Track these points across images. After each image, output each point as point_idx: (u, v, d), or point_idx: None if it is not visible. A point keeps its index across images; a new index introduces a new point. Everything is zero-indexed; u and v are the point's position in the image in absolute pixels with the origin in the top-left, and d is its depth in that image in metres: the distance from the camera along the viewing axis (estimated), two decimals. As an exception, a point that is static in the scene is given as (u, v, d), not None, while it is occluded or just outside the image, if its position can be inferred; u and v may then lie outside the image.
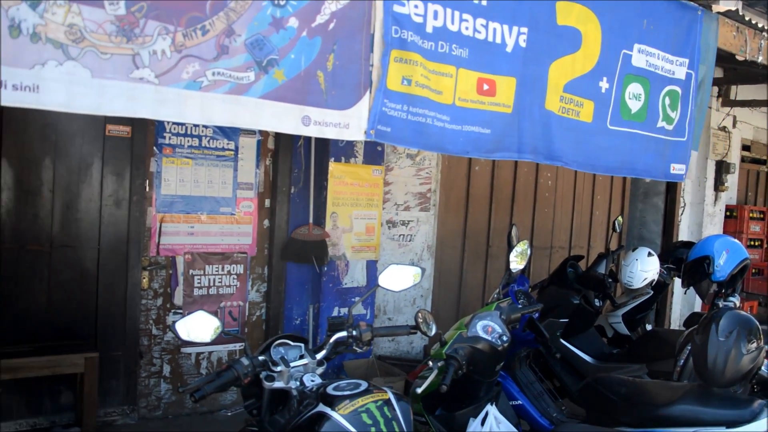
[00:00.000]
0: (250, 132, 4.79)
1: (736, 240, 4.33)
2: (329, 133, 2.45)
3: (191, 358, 4.78)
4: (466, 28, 2.73)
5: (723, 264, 4.14)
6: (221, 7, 2.18)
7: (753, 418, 2.77)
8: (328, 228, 4.86)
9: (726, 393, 2.96)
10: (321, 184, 4.89)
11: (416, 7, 2.58)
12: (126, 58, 2.05)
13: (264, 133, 4.87)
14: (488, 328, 2.98)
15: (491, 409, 3.04)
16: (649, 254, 4.81)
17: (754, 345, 2.94)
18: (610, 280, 4.71)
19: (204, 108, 2.15)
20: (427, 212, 5.65)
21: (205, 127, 4.60)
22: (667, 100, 3.63)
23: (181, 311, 4.64)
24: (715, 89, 7.55)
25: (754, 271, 8.39)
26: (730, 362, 2.90)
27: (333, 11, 2.38)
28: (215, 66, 2.16)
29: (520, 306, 3.50)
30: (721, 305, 4.13)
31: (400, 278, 2.73)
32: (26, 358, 3.90)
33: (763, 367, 3.35)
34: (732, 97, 7.79)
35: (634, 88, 3.46)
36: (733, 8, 3.87)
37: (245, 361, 2.26)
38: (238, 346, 4.90)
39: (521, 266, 3.79)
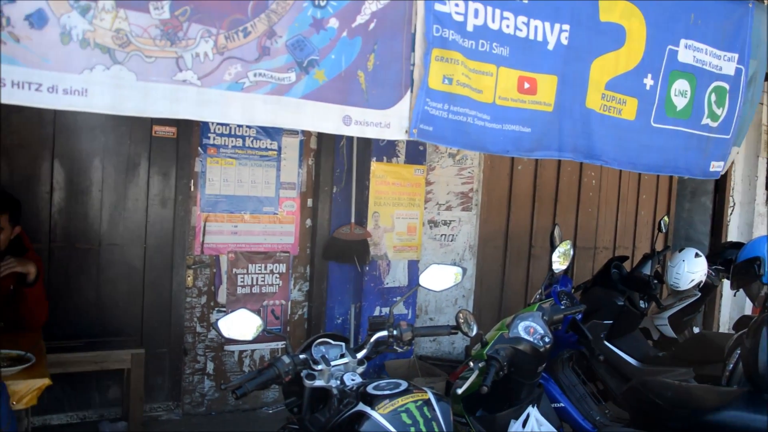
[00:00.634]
0: (292, 132, 4.83)
1: (788, 241, 4.20)
2: (370, 133, 2.46)
3: (234, 356, 4.85)
4: (507, 27, 2.70)
5: (774, 266, 4.02)
6: (263, 8, 2.20)
7: (805, 425, 2.69)
8: (370, 227, 4.88)
9: (777, 399, 2.88)
10: (363, 183, 4.90)
11: (457, 5, 2.56)
12: (170, 61, 2.09)
13: (306, 133, 4.91)
14: (530, 329, 2.95)
15: (533, 411, 3.01)
16: (697, 255, 4.71)
17: (807, 350, 2.85)
18: (655, 281, 4.62)
19: (245, 109, 2.17)
20: (469, 212, 5.62)
21: (249, 127, 4.65)
22: (713, 97, 3.53)
23: (224, 309, 4.71)
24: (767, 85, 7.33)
25: (807, 272, 8.11)
26: (782, 367, 2.82)
27: (373, 11, 2.39)
28: (257, 67, 2.18)
29: (562, 307, 3.46)
30: (772, 308, 4.01)
31: (441, 278, 2.72)
32: (75, 353, 4.01)
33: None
34: (785, 93, 7.55)
35: (680, 85, 3.38)
36: (787, 0, 3.75)
37: (286, 360, 2.27)
38: (280, 345, 4.95)
39: (564, 267, 3.75)
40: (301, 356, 2.33)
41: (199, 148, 4.56)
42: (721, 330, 7.32)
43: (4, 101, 2.01)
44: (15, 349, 3.00)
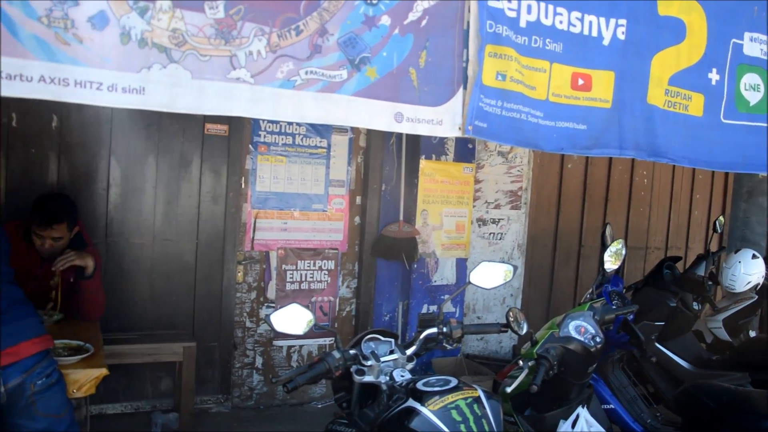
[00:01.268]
0: (342, 130, 4.87)
1: None
2: (422, 130, 2.45)
3: (282, 351, 4.91)
4: (561, 22, 2.66)
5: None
6: (315, 7, 2.22)
7: None
8: (419, 225, 4.88)
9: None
10: (412, 181, 4.91)
11: (510, 1, 2.54)
12: (224, 59, 2.12)
13: (356, 131, 4.93)
14: (581, 328, 2.92)
15: (582, 412, 2.97)
16: (754, 256, 4.58)
17: None
18: (710, 282, 4.51)
19: (297, 106, 2.19)
20: (518, 210, 5.57)
21: (299, 125, 4.70)
22: None
23: (273, 305, 4.78)
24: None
25: None
26: None
27: (425, 8, 2.38)
28: (308, 65, 2.20)
29: (614, 307, 3.41)
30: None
31: (491, 276, 2.71)
32: (130, 345, 4.10)
33: None
34: None
35: (750, 79, 3.26)
36: None
37: (337, 355, 2.29)
38: (328, 341, 5.00)
39: (615, 266, 3.69)
40: (351, 351, 2.34)
41: (250, 146, 4.63)
42: (779, 334, 7.10)
43: (69, 100, 2.08)
44: (74, 340, 3.10)
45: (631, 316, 3.49)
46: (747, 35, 3.24)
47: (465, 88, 2.49)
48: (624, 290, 4.01)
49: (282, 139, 4.68)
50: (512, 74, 2.54)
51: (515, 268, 2.79)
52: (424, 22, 2.39)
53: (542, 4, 2.62)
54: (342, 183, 4.92)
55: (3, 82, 2.01)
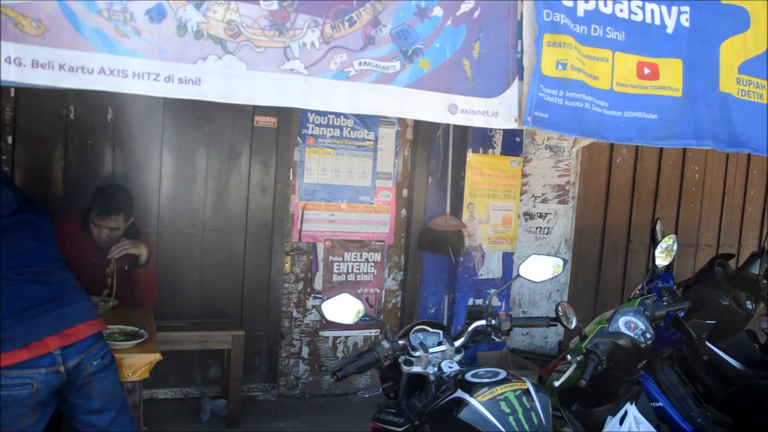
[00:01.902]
0: (389, 122, 4.88)
1: None
2: (477, 122, 2.44)
3: (328, 342, 4.96)
4: (621, 11, 2.61)
5: None
6: (367, -2, 2.24)
7: None
8: (465, 219, 4.87)
9: None
10: (458, 174, 4.89)
11: (566, -10, 2.52)
12: (278, 50, 2.15)
13: (403, 124, 4.94)
14: (631, 324, 2.88)
15: (631, 409, 2.93)
16: (811, 254, 4.44)
17: None
18: (765, 281, 4.39)
19: (350, 97, 2.21)
20: (565, 205, 5.52)
21: (346, 117, 4.73)
22: None
23: (320, 296, 4.83)
24: None
25: None
26: None
27: (477, 0, 2.38)
28: (362, 56, 2.21)
29: (665, 303, 3.35)
30: None
31: (540, 269, 2.69)
32: (180, 332, 4.20)
33: None
34: None
35: None
36: None
37: (386, 345, 2.31)
38: (373, 332, 5.03)
39: (666, 262, 3.62)
40: (400, 342, 2.36)
41: (298, 138, 4.67)
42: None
43: (127, 91, 2.13)
44: (129, 325, 3.19)
45: (682, 313, 3.43)
46: None
47: (521, 79, 2.47)
48: (674, 287, 3.94)
49: (330, 131, 4.72)
50: (573, 63, 2.51)
51: (565, 261, 2.77)
52: (476, 14, 2.38)
53: (600, -7, 2.59)
54: (389, 175, 4.93)
55: (65, 75, 2.07)
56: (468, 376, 2.22)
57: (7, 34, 1.99)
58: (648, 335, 2.85)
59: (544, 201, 5.42)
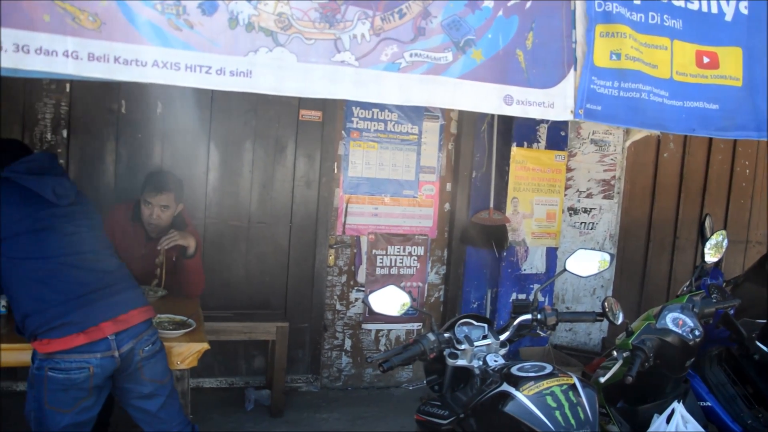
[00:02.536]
0: (433, 116, 4.87)
1: None
2: (533, 113, 2.42)
3: (371, 334, 4.98)
4: (677, -1, 2.58)
5: None
6: (417, -11, 2.24)
7: None
8: (509, 213, 4.84)
9: None
10: (503, 168, 4.87)
11: (621, -21, 2.48)
12: (328, 42, 2.17)
13: (447, 118, 4.93)
14: (679, 320, 2.83)
15: (678, 407, 2.88)
16: None
17: None
18: (818, 279, 4.27)
19: (402, 89, 2.21)
20: (610, 200, 5.45)
21: (391, 111, 4.74)
22: None
23: (363, 289, 4.85)
24: None
25: None
26: None
27: (529, -10, 2.37)
28: (413, 47, 2.22)
29: (714, 300, 3.29)
30: None
31: (586, 264, 2.67)
32: (226, 323, 4.27)
33: None
34: None
35: None
36: None
37: (431, 337, 2.31)
38: (415, 326, 5.04)
39: (716, 259, 3.56)
40: (446, 335, 2.36)
41: (342, 132, 4.70)
42: None
43: (180, 83, 2.16)
44: (178, 315, 3.25)
45: (732, 311, 3.36)
46: None
47: (576, 69, 2.44)
48: (723, 284, 3.86)
49: (374, 125, 4.73)
50: (628, 52, 2.47)
51: (612, 256, 2.73)
52: (528, 4, 2.36)
53: (657, -19, 2.55)
54: (432, 169, 4.93)
55: (120, 67, 2.12)
56: (514, 370, 2.21)
57: (65, 28, 2.04)
58: (697, 332, 2.79)
59: (589, 196, 5.36)
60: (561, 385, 2.15)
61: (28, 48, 2.00)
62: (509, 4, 2.33)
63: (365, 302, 2.38)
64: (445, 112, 4.90)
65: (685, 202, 5.91)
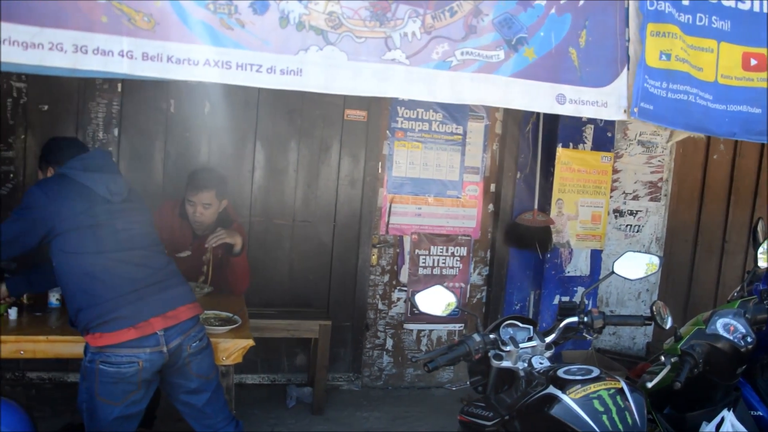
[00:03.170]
0: (478, 116, 4.85)
1: None
2: (586, 112, 2.39)
3: (413, 334, 4.98)
4: (727, -1, 2.54)
5: None
6: (467, -12, 2.23)
7: None
8: (553, 214, 4.79)
9: None
10: (547, 169, 4.82)
11: (671, -23, 2.44)
12: (379, 41, 2.18)
13: (492, 118, 4.90)
14: (730, 326, 2.76)
15: (728, 416, 2.81)
16: None
17: None
18: None
19: (453, 87, 2.21)
20: (657, 202, 5.36)
21: (435, 111, 4.73)
22: None
23: (405, 289, 4.85)
24: None
25: None
26: None
27: (582, -12, 2.34)
28: (464, 46, 2.21)
29: (767, 306, 3.20)
30: None
31: (634, 267, 2.62)
32: (269, 320, 4.29)
33: None
34: None
35: None
36: None
37: (477, 338, 2.29)
38: (457, 327, 5.02)
39: (769, 264, 3.46)
40: (491, 336, 2.34)
41: (387, 132, 4.70)
42: None
43: (231, 82, 2.20)
44: (224, 311, 3.29)
45: (786, 318, 3.26)
46: None
47: (628, 68, 2.41)
48: (776, 290, 3.76)
49: (419, 125, 4.73)
50: (678, 53, 2.44)
51: (661, 259, 2.68)
52: (581, 2, 2.34)
53: (706, -19, 2.50)
54: (477, 170, 4.90)
55: (173, 66, 2.16)
56: (560, 373, 2.18)
57: (121, 29, 2.09)
58: (749, 339, 2.72)
59: (635, 198, 5.28)
60: (608, 389, 2.11)
61: (86, 48, 2.05)
62: (562, 2, 2.31)
63: (411, 301, 2.37)
64: (490, 112, 4.87)
65: (735, 205, 5.77)
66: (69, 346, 2.87)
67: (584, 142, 4.84)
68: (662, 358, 2.73)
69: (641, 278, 2.67)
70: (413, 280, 4.85)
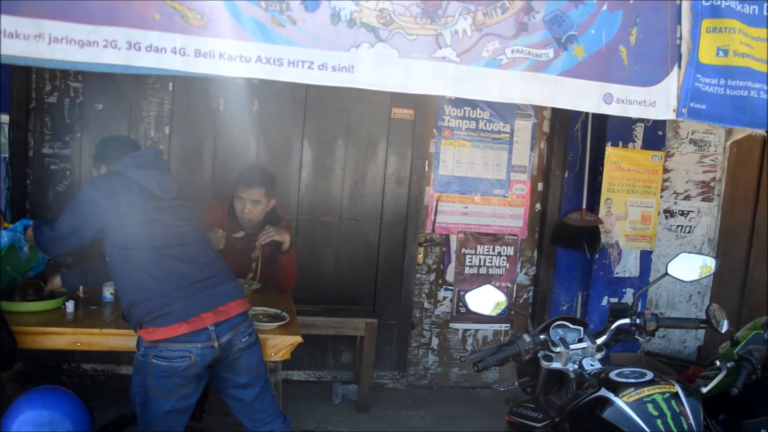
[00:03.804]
0: (525, 115, 4.80)
1: None
2: (633, 112, 2.35)
3: (458, 334, 4.96)
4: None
5: None
6: (519, -16, 2.21)
7: None
8: (602, 214, 4.72)
9: None
10: (596, 168, 4.75)
11: (732, -30, 2.38)
12: (429, 38, 2.17)
13: (539, 116, 4.85)
14: (790, 331, 2.69)
15: (787, 423, 2.74)
16: None
17: None
18: None
19: (503, 86, 2.19)
20: (709, 203, 5.23)
21: (482, 109, 4.70)
22: None
23: (451, 288, 4.84)
24: None
25: None
26: None
27: (634, -16, 2.30)
28: (514, 43, 2.19)
29: (828, 310, 3.10)
30: None
31: (688, 268, 2.56)
32: (316, 317, 4.33)
33: None
34: None
35: None
36: None
37: (527, 338, 2.28)
38: (503, 327, 4.99)
39: (831, 267, 3.35)
40: (541, 337, 2.32)
41: (434, 130, 4.69)
42: None
43: (283, 79, 2.22)
44: (272, 308, 3.32)
45: None
46: None
47: (679, 67, 2.36)
48: (837, 294, 3.64)
49: (466, 123, 4.71)
50: (737, 48, 2.37)
51: (717, 261, 2.61)
52: None
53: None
54: (524, 169, 4.86)
55: (225, 63, 2.19)
56: (612, 375, 2.14)
57: (174, 26, 2.13)
58: (810, 344, 2.65)
59: (687, 198, 5.16)
60: (663, 393, 2.07)
61: (139, 45, 2.10)
62: (614, -2, 2.28)
63: (461, 300, 2.37)
64: (538, 110, 4.82)
65: (793, 206, 5.60)
66: (122, 339, 2.93)
67: (634, 141, 4.75)
68: (717, 362, 2.67)
69: (695, 280, 2.60)
70: (459, 279, 4.83)
